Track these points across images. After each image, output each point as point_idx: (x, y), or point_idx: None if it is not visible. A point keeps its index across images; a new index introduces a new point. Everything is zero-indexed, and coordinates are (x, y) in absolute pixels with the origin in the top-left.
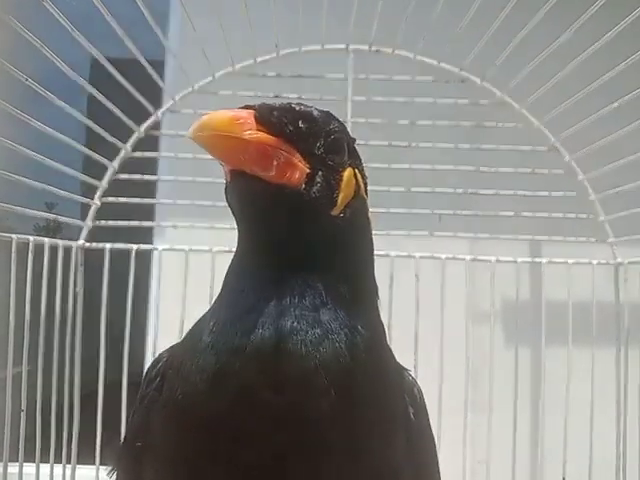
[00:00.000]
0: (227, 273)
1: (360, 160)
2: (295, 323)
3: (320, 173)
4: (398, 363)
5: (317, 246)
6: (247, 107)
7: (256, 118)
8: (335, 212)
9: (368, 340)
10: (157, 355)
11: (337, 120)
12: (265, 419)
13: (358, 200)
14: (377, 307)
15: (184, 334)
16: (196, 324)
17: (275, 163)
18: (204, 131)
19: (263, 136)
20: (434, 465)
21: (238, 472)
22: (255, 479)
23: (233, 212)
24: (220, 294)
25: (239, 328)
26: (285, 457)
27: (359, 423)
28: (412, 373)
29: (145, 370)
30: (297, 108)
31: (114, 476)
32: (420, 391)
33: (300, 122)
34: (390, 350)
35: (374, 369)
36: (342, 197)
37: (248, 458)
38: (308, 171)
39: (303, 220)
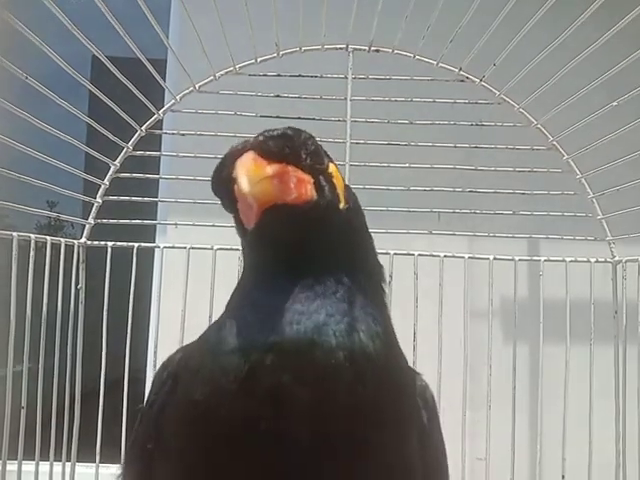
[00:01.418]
0: (240, 289)
1: (329, 156)
2: (328, 317)
3: (321, 178)
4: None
5: (339, 243)
6: (243, 148)
7: (259, 154)
8: (342, 206)
9: (384, 330)
10: (168, 357)
11: (302, 130)
12: (294, 414)
13: (347, 188)
14: (384, 293)
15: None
16: (211, 329)
17: (292, 186)
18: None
19: (278, 166)
20: (444, 472)
21: (265, 469)
22: (282, 475)
23: (257, 243)
24: (235, 306)
25: (272, 327)
26: (313, 450)
27: (381, 412)
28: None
29: (156, 372)
30: (275, 133)
31: None
32: (432, 396)
33: (287, 143)
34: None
35: (391, 358)
36: (341, 191)
37: (276, 454)
38: (313, 180)
39: (326, 224)
